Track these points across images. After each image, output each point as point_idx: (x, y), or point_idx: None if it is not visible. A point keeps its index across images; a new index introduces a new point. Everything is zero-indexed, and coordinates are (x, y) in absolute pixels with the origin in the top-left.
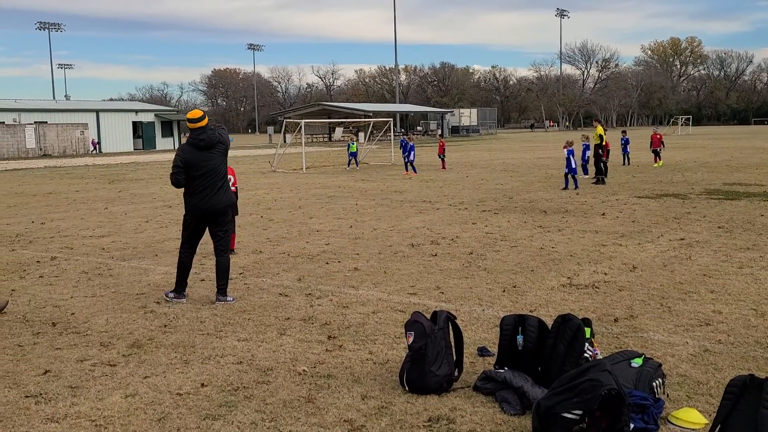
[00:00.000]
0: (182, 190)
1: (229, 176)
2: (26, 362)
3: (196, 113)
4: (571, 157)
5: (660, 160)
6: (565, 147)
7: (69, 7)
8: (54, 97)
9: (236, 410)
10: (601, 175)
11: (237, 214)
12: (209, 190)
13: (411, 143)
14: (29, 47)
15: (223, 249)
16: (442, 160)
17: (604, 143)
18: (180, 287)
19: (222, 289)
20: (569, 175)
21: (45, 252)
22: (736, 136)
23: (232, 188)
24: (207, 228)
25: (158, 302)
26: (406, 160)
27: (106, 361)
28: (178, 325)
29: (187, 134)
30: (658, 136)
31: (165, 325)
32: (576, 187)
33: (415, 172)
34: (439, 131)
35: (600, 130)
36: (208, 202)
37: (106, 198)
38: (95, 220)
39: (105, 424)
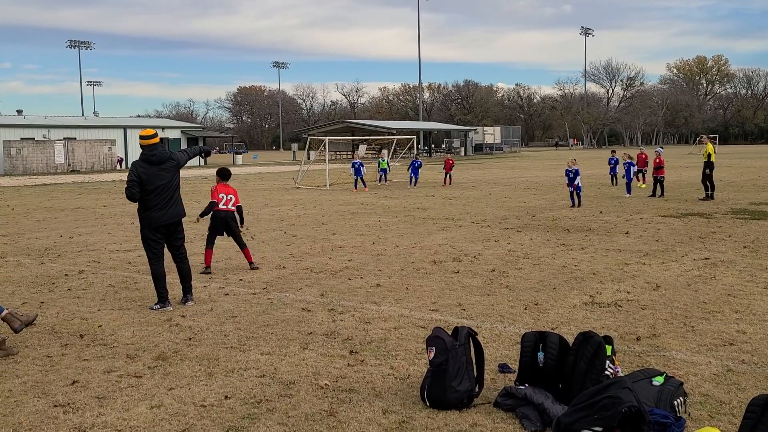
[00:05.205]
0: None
1: (230, 195)
2: (55, 373)
3: (148, 132)
4: (574, 176)
5: (644, 182)
6: (569, 165)
7: (99, 26)
8: (83, 114)
9: (259, 422)
10: (708, 191)
11: (242, 224)
12: (164, 203)
13: (418, 161)
14: (60, 65)
15: (183, 258)
16: (447, 176)
17: (711, 161)
18: (162, 297)
19: (188, 290)
20: (574, 192)
21: (73, 265)
22: (764, 156)
23: (232, 207)
24: (165, 240)
25: (183, 316)
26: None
27: (132, 372)
28: (202, 339)
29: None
30: (644, 156)
31: (190, 339)
32: (573, 204)
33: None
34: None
35: (710, 148)
36: (164, 215)
37: (133, 213)
38: (122, 234)
39: None
